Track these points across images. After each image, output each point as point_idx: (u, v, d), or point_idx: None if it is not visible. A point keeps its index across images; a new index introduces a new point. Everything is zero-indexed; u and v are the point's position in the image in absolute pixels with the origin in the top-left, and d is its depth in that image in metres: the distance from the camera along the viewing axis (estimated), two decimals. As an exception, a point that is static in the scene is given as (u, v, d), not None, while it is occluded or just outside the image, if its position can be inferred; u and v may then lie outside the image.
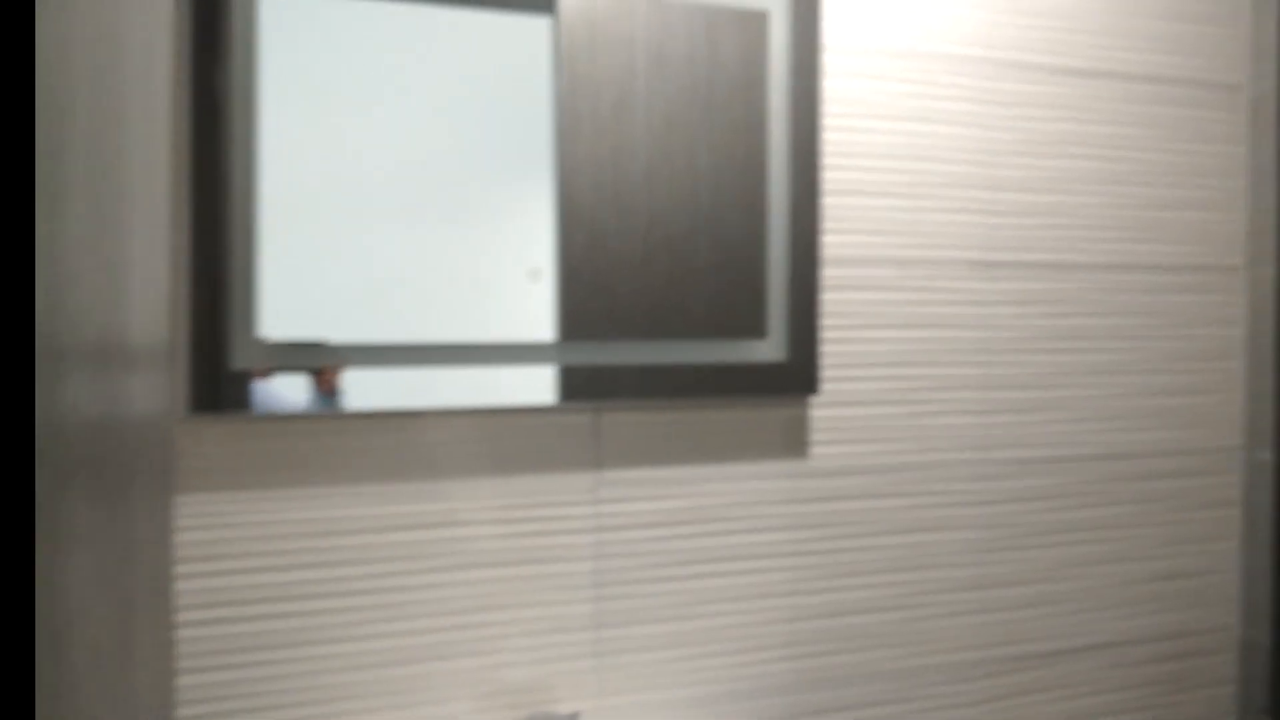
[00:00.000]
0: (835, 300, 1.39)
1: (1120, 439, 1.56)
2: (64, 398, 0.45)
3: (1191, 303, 1.59)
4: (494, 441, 1.25)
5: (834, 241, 1.39)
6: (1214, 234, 1.60)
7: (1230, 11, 1.60)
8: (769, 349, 1.32)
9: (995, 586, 1.49)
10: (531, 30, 1.22)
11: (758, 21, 1.30)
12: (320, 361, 1.15)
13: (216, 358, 1.12)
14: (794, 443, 1.38)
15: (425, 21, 1.18)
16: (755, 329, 1.31)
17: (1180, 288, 1.58)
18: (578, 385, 1.24)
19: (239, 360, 1.12)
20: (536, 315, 1.23)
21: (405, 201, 1.17)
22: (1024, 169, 1.48)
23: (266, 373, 1.14)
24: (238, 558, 1.16)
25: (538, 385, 1.23)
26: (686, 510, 1.33)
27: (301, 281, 1.14)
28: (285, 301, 1.13)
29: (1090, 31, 1.51)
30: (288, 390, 1.14)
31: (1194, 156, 1.58)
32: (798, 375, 1.33)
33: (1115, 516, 1.56)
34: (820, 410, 1.39)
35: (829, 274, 1.39)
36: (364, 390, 1.17)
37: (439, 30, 1.18)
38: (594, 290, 1.24)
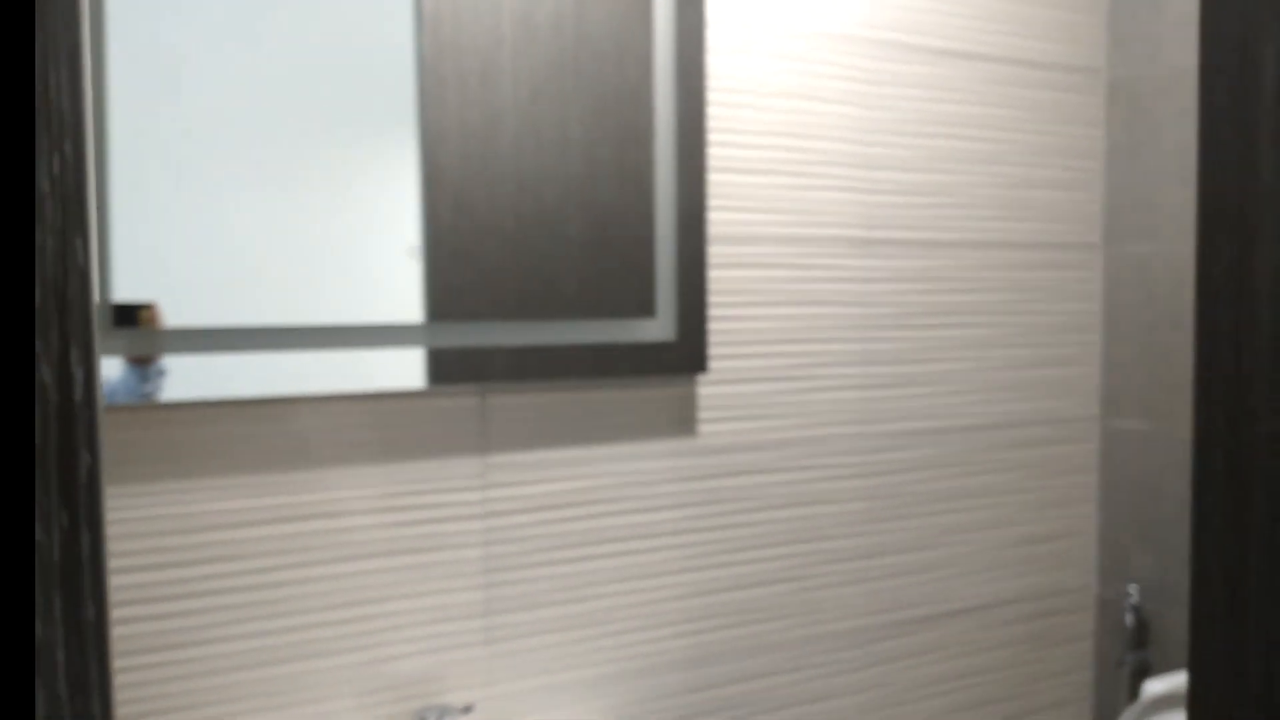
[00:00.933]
0: (720, 278, 1.39)
1: (990, 410, 1.61)
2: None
3: (1053, 279, 1.66)
4: (374, 428, 1.20)
5: (719, 219, 1.38)
6: (1074, 213, 1.67)
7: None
8: (658, 328, 1.31)
9: (877, 556, 1.53)
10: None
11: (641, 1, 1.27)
12: (180, 348, 1.07)
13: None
14: (683, 421, 1.37)
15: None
16: (644, 308, 1.29)
17: (1043, 264, 1.65)
18: (451, 368, 1.20)
19: (97, 346, 1.03)
20: (405, 295, 1.17)
21: (263, 172, 1.10)
22: (900, 148, 1.51)
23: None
24: (100, 558, 1.08)
25: (407, 368, 1.18)
26: (576, 492, 1.31)
27: (158, 262, 1.06)
28: (139, 283, 1.05)
29: (963, 15, 1.55)
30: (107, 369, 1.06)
31: (1056, 138, 1.64)
32: (687, 354, 1.33)
33: (985, 484, 1.62)
34: (708, 388, 1.38)
35: (714, 251, 1.38)
36: (228, 377, 1.09)
37: (312, -8, 1.11)
38: (465, 266, 1.20)
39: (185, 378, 1.07)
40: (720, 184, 1.38)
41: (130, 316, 1.05)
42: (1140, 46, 1.63)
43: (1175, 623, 1.62)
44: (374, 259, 1.15)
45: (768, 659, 1.45)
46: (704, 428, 1.38)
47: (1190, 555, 0.74)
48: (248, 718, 1.15)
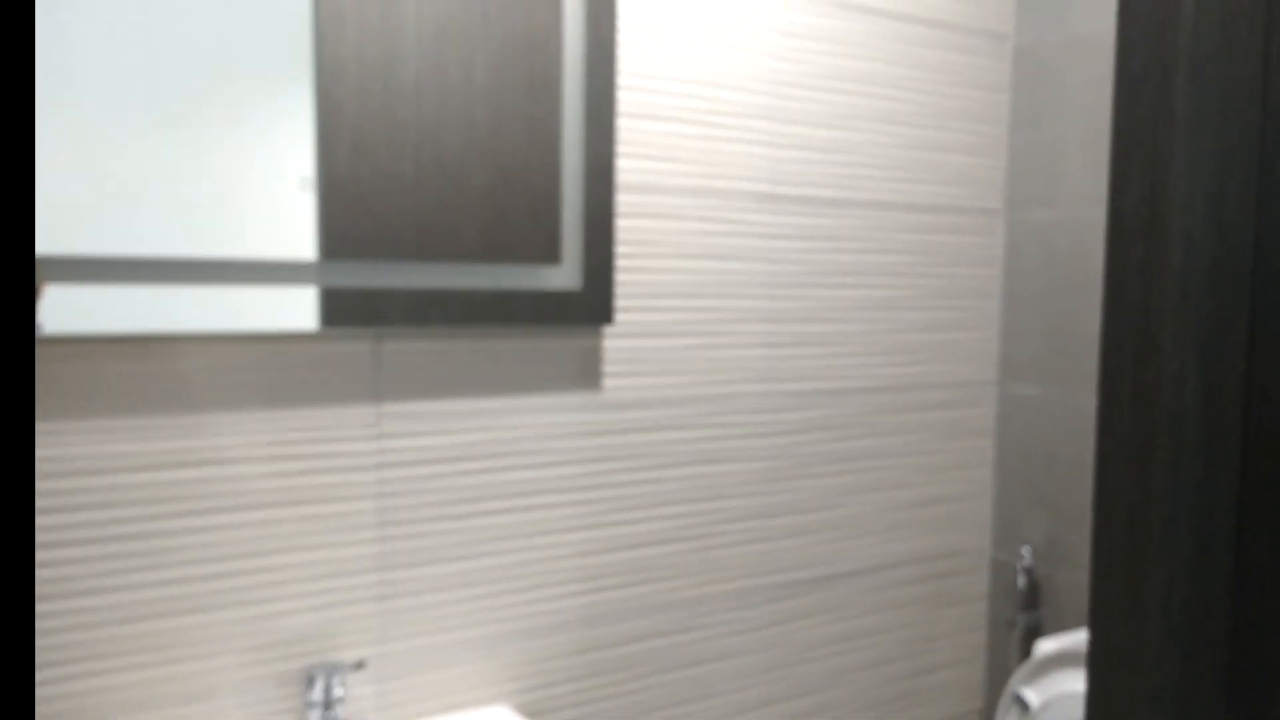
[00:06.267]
0: (628, 228, 1.36)
1: (891, 372, 1.62)
2: None
3: (955, 243, 1.67)
4: (262, 371, 1.14)
5: (627, 166, 1.35)
6: (977, 177, 1.69)
7: (995, -35, 1.68)
8: (563, 276, 1.27)
9: (777, 515, 1.52)
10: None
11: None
12: (52, 277, 1.00)
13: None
14: (587, 374, 1.34)
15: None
16: (549, 254, 1.25)
17: (946, 228, 1.66)
18: (346, 310, 1.14)
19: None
20: (297, 231, 1.11)
21: (147, 99, 1.03)
22: (809, 102, 1.50)
23: None
24: (-44, 504, 1.00)
25: (299, 309, 1.12)
26: (475, 444, 1.27)
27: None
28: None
29: (872, -27, 1.54)
30: None
31: (961, 100, 1.65)
32: (593, 304, 1.30)
33: (884, 446, 1.63)
34: (613, 341, 1.36)
35: (622, 200, 1.35)
36: (107, 311, 1.02)
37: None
38: (361, 207, 1.14)
39: (60, 310, 1.00)
40: (630, 130, 1.35)
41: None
42: (1047, 12, 1.65)
43: (1066, 584, 1.66)
44: (265, 193, 1.09)
45: (664, 618, 1.43)
46: (608, 382, 1.36)
47: (1094, 488, 0.75)
48: (126, 674, 1.08)
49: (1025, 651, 1.70)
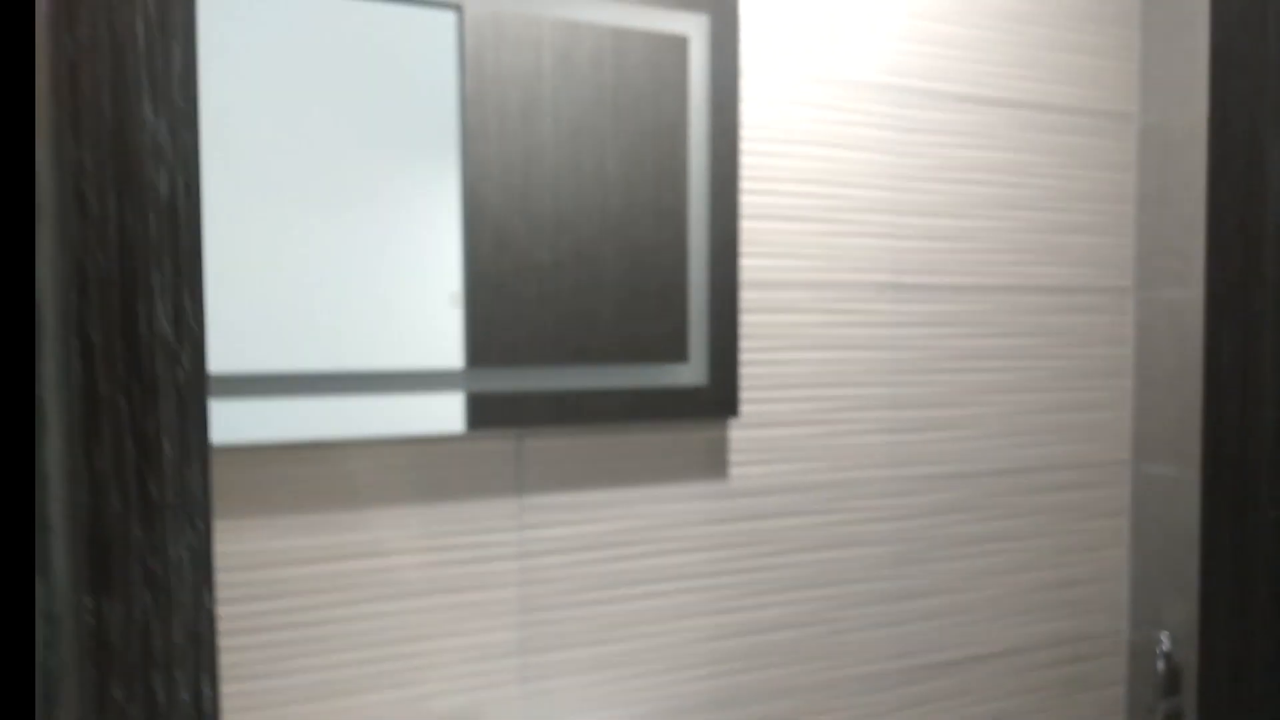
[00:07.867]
0: (752, 323, 1.42)
1: (1019, 454, 1.63)
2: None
3: (1084, 323, 1.67)
4: (416, 470, 1.24)
5: (750, 265, 1.41)
6: (1105, 257, 1.68)
7: (1122, 45, 1.68)
8: (691, 373, 1.34)
9: (905, 599, 1.55)
10: (435, 25, 1.20)
11: (678, 46, 1.31)
12: (233, 394, 1.12)
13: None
14: (714, 464, 1.40)
15: (325, 10, 1.15)
16: (677, 353, 1.32)
17: (1074, 308, 1.66)
18: (490, 412, 1.24)
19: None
20: (447, 342, 1.22)
21: (309, 215, 1.15)
22: (930, 194, 1.53)
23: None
24: (154, 596, 1.13)
25: (448, 413, 1.22)
26: (610, 534, 1.34)
27: (210, 311, 1.11)
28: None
29: (994, 62, 1.57)
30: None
31: (1087, 182, 1.66)
32: (719, 398, 1.36)
33: (1014, 528, 1.63)
34: (739, 431, 1.41)
35: (745, 297, 1.41)
36: (277, 420, 1.14)
37: (338, 22, 1.16)
38: (504, 307, 1.23)
39: (239, 422, 1.12)
40: (752, 230, 1.41)
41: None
42: (1172, 92, 1.65)
43: (1207, 668, 1.61)
44: (417, 302, 1.20)
45: (795, 701, 1.47)
46: (735, 470, 1.41)
47: (1198, 637, 0.76)
48: (290, 750, 1.19)
49: (1167, 738, 1.67)
